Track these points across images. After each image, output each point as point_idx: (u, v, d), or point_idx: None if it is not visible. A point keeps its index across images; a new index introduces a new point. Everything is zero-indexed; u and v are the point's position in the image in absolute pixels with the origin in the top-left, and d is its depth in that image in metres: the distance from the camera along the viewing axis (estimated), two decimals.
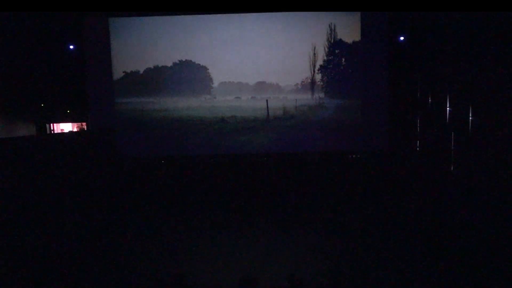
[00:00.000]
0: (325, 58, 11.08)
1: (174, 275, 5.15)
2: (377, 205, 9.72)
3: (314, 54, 11.04)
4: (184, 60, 11.20)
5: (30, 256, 6.92)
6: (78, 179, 8.77)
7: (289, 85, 11.18)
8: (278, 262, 6.82)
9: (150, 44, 11.09)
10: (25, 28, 10.31)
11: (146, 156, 11.21)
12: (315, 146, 11.14)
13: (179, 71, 11.22)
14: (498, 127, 6.92)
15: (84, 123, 11.29)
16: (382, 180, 10.64)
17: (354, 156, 11.25)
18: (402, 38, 10.74)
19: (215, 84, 11.28)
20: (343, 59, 11.15)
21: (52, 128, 11.33)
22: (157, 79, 11.26)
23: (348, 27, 10.96)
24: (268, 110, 11.23)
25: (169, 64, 11.21)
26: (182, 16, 10.92)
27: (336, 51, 11.10)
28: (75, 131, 11.18)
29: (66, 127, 11.46)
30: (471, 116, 7.80)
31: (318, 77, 11.11)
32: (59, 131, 11.28)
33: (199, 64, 11.21)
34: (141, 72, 11.25)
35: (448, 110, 8.81)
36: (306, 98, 11.17)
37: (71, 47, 10.94)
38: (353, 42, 11.01)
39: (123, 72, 11.22)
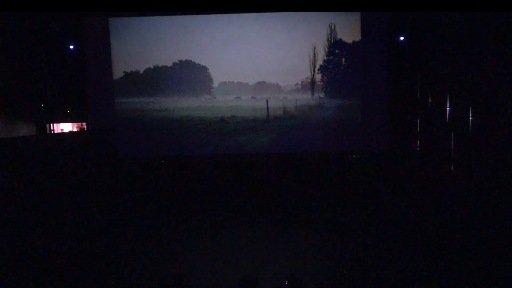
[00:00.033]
0: (325, 58, 11.08)
1: (174, 275, 5.15)
2: (377, 205, 9.72)
3: (314, 54, 11.04)
4: (184, 60, 11.20)
5: (30, 256, 6.92)
6: (78, 179, 8.77)
7: (289, 85, 11.18)
8: (278, 262, 6.83)
9: (150, 44, 11.08)
10: (25, 28, 10.31)
11: (146, 156, 11.21)
12: (315, 146, 11.14)
13: (179, 71, 11.23)
14: (498, 127, 6.92)
15: (84, 123, 11.29)
16: (382, 180, 10.64)
17: (354, 156, 11.25)
18: (402, 38, 10.73)
19: (215, 84, 11.28)
20: (343, 59, 11.15)
21: (52, 128, 11.33)
22: (157, 79, 11.26)
23: (348, 27, 10.97)
24: (268, 110, 11.23)
25: (169, 64, 11.21)
26: (182, 16, 10.92)
27: (336, 51, 11.10)
28: (75, 131, 11.18)
29: (66, 127, 11.45)
30: (471, 116, 7.79)
31: (318, 77, 11.11)
32: (59, 131, 11.28)
33: (199, 64, 11.21)
34: (141, 72, 11.25)
35: (448, 110, 8.80)
36: (306, 98, 11.17)
37: (71, 47, 10.93)
38: (353, 42, 11.01)
39: (123, 72, 11.21)
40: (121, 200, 10.00)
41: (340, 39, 11.02)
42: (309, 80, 11.12)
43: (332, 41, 11.02)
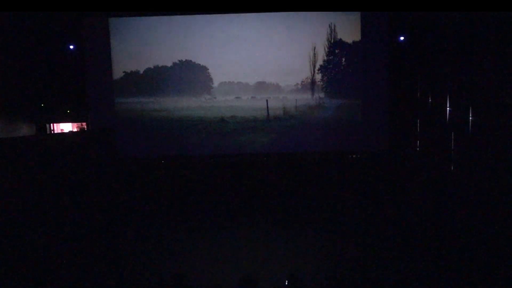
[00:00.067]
0: (325, 58, 11.08)
1: (174, 275, 5.14)
2: (377, 205, 9.71)
3: (314, 54, 11.04)
4: (184, 60, 11.20)
5: (30, 256, 6.92)
6: (78, 179, 8.77)
7: (289, 85, 11.19)
8: (278, 262, 6.82)
9: (150, 44, 11.08)
10: (25, 28, 10.32)
11: (146, 156, 11.21)
12: (315, 146, 11.14)
13: (179, 71, 11.23)
14: (498, 127, 6.92)
15: (84, 123, 11.29)
16: (382, 180, 10.64)
17: (354, 156, 11.25)
18: (402, 38, 10.74)
19: (215, 84, 11.28)
20: (343, 59, 11.15)
21: (52, 128, 11.33)
22: (157, 79, 11.26)
23: (348, 27, 10.97)
24: (268, 110, 11.23)
25: (169, 64, 11.21)
26: (182, 16, 10.92)
27: (336, 51, 11.10)
28: (75, 131, 11.18)
29: (66, 127, 11.46)
30: (471, 116, 7.79)
31: (318, 77, 11.12)
32: (59, 131, 11.29)
33: (199, 64, 11.21)
34: (141, 72, 11.25)
35: (448, 110, 8.80)
36: (306, 98, 11.17)
37: (71, 47, 10.94)
38: (353, 42, 11.01)
39: (123, 72, 11.22)
40: (121, 200, 10.00)
41: (340, 39, 11.02)
42: (309, 80, 11.13)
43: (332, 41, 11.03)
